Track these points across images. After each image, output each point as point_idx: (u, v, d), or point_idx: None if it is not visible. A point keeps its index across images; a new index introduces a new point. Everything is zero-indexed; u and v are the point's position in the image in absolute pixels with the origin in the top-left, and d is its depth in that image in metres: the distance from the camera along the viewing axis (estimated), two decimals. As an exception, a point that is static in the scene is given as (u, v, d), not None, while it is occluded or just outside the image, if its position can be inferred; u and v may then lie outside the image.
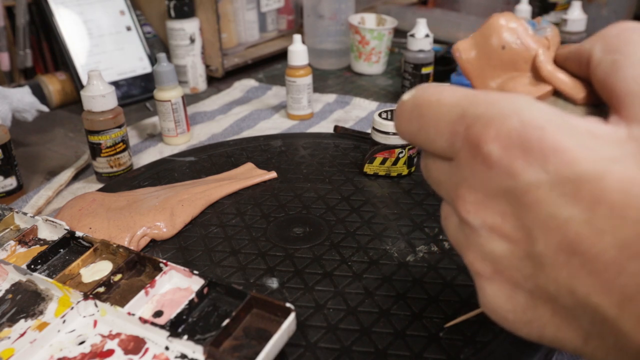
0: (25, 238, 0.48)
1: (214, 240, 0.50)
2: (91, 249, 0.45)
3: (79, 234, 0.47)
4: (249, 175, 0.60)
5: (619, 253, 0.20)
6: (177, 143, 0.72)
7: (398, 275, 0.44)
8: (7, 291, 0.43)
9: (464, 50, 0.30)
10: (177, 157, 0.65)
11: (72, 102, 0.87)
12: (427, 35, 0.78)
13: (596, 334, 0.22)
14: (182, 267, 0.42)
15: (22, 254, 0.47)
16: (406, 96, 0.27)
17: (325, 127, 0.77)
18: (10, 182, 0.60)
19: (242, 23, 1.01)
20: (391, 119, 0.57)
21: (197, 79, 0.92)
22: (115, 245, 0.45)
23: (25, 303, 0.41)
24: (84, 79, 0.82)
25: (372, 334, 0.39)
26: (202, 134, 0.76)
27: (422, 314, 0.40)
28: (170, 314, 0.40)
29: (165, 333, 0.37)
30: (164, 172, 0.61)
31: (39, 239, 0.49)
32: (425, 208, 0.53)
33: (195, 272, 0.42)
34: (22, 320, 0.40)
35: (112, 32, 0.86)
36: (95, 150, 0.61)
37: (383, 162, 0.58)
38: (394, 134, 0.56)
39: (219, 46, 0.92)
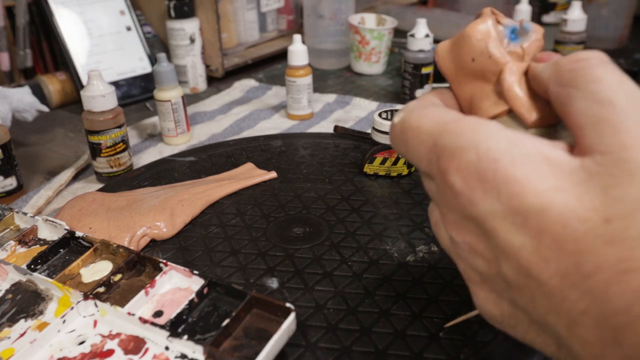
0: (25, 238, 0.48)
1: (214, 240, 0.50)
2: (91, 249, 0.45)
3: (79, 234, 0.47)
4: (249, 175, 0.60)
5: (561, 281, 0.22)
6: (177, 143, 0.72)
7: (398, 275, 0.44)
8: (7, 291, 0.43)
9: (442, 55, 0.31)
10: (177, 157, 0.65)
11: (72, 102, 0.87)
12: (427, 35, 0.78)
13: (564, 346, 0.24)
14: (182, 267, 0.43)
15: (22, 254, 0.47)
16: (396, 119, 0.29)
17: (325, 127, 0.77)
18: (10, 182, 0.60)
19: (242, 23, 1.01)
20: (391, 119, 0.57)
21: (197, 79, 0.92)
22: (115, 245, 0.45)
23: (25, 303, 0.41)
24: (84, 79, 0.82)
25: (372, 334, 0.39)
26: (202, 134, 0.76)
27: (422, 314, 0.40)
28: (170, 314, 0.40)
29: (165, 333, 0.37)
30: (164, 172, 0.61)
31: (39, 239, 0.49)
32: (425, 208, 0.53)
33: (195, 272, 0.42)
34: (22, 320, 0.40)
35: (112, 32, 0.86)
36: (95, 150, 0.61)
37: (383, 162, 0.58)
38: (394, 134, 0.56)
39: (219, 46, 0.92)
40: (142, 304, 0.41)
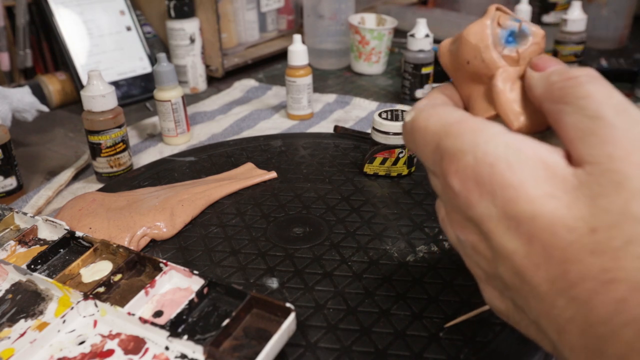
0: (25, 238, 0.48)
1: (214, 240, 0.50)
2: (91, 249, 0.45)
3: (79, 234, 0.47)
4: (249, 175, 0.60)
5: (550, 287, 0.23)
6: (177, 143, 0.72)
7: (398, 275, 0.44)
8: (7, 291, 0.43)
9: (442, 54, 0.31)
10: (177, 157, 0.65)
11: (72, 102, 0.87)
12: (427, 35, 0.78)
13: (556, 349, 0.24)
14: (182, 267, 0.43)
15: (22, 254, 0.47)
16: (407, 117, 0.29)
17: (325, 127, 0.77)
18: (10, 182, 0.60)
19: (242, 23, 1.01)
20: (391, 119, 0.57)
21: (197, 79, 0.92)
22: (115, 245, 0.45)
23: (25, 303, 0.41)
24: (84, 79, 0.82)
25: (372, 334, 0.39)
26: (202, 134, 0.76)
27: (422, 314, 0.40)
28: (170, 314, 0.40)
29: (165, 333, 0.37)
30: (164, 172, 0.61)
31: (39, 239, 0.49)
32: (425, 208, 0.53)
33: (195, 272, 0.42)
34: (22, 320, 0.40)
35: (112, 32, 0.86)
36: (95, 150, 0.61)
37: (383, 162, 0.58)
38: (394, 134, 0.56)
39: (219, 46, 0.92)
40: (142, 304, 0.41)
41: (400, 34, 1.07)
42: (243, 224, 0.52)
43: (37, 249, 0.47)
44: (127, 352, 0.37)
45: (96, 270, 0.44)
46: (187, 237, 0.50)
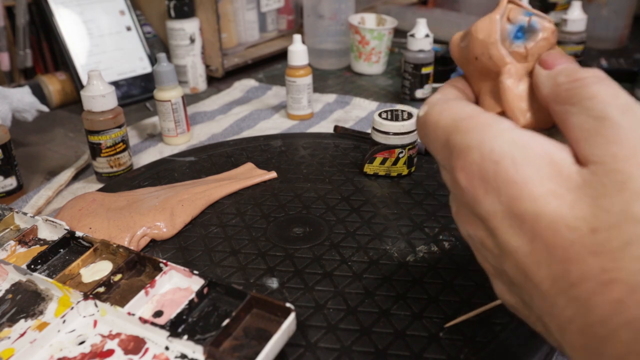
0: (25, 238, 0.48)
1: (214, 240, 0.50)
2: (91, 249, 0.45)
3: (79, 234, 0.47)
4: (249, 175, 0.60)
5: (551, 286, 0.23)
6: (177, 143, 0.72)
7: (398, 275, 0.44)
8: (7, 291, 0.43)
9: (453, 48, 0.31)
10: (177, 157, 0.65)
11: (72, 102, 0.87)
12: (427, 35, 0.78)
13: (560, 346, 0.25)
14: (182, 267, 0.42)
15: (22, 254, 0.47)
16: (420, 112, 0.29)
17: (325, 127, 0.77)
18: (10, 182, 0.60)
19: (242, 23, 1.01)
20: (391, 119, 0.57)
21: (197, 79, 0.92)
22: (115, 245, 0.45)
23: (25, 303, 0.41)
24: (84, 79, 0.82)
25: (372, 334, 0.39)
26: (202, 134, 0.76)
27: (422, 314, 0.40)
28: (170, 314, 0.40)
29: (165, 333, 0.37)
30: (164, 172, 0.61)
31: (39, 239, 0.49)
32: (425, 208, 0.53)
33: (195, 272, 0.42)
34: (22, 320, 0.40)
35: (112, 32, 0.86)
36: (95, 150, 0.61)
37: (383, 162, 0.58)
38: (394, 134, 0.56)
39: (219, 46, 0.92)
40: (142, 304, 0.41)
41: (400, 34, 1.07)
42: (243, 224, 0.52)
43: (37, 249, 0.47)
44: (127, 352, 0.37)
45: (96, 270, 0.44)
46: (187, 237, 0.50)
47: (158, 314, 0.40)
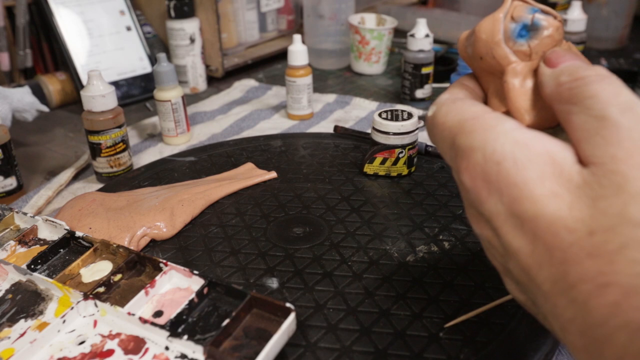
0: (25, 238, 0.48)
1: (214, 240, 0.50)
2: (91, 249, 0.45)
3: (79, 234, 0.47)
4: (249, 175, 0.60)
5: (552, 287, 0.23)
6: (177, 143, 0.72)
7: (398, 275, 0.44)
8: (7, 291, 0.43)
9: (460, 48, 0.31)
10: (177, 157, 0.65)
11: (72, 102, 0.87)
12: (427, 35, 0.78)
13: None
14: (182, 267, 0.42)
15: (22, 254, 0.47)
16: (429, 112, 0.30)
17: (325, 127, 0.77)
18: (10, 182, 0.60)
19: (242, 23, 1.01)
20: (391, 119, 0.57)
21: (197, 79, 0.92)
22: (115, 245, 0.45)
23: (25, 303, 0.41)
24: (84, 79, 0.82)
25: (372, 334, 0.39)
26: (202, 134, 0.76)
27: (422, 314, 0.40)
28: (170, 314, 0.40)
29: (165, 333, 0.37)
30: (164, 172, 0.61)
31: (39, 239, 0.49)
32: (425, 208, 0.53)
33: (195, 272, 0.42)
34: (22, 320, 0.40)
35: (112, 32, 0.86)
36: (95, 150, 0.61)
37: (383, 162, 0.58)
38: (394, 134, 0.56)
39: (219, 46, 0.92)
40: (142, 304, 0.41)
41: (400, 34, 1.07)
42: (243, 224, 0.52)
43: (37, 249, 0.47)
44: (127, 352, 0.37)
45: (96, 270, 0.44)
46: (187, 237, 0.50)
47: (158, 314, 0.40)
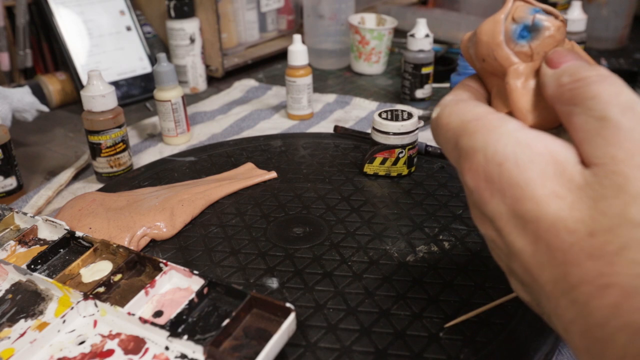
0: (25, 238, 0.48)
1: (214, 240, 0.50)
2: (91, 249, 0.45)
3: (79, 234, 0.47)
4: (249, 175, 0.60)
5: (554, 288, 0.23)
6: (177, 143, 0.72)
7: (398, 275, 0.44)
8: (7, 291, 0.43)
9: (463, 50, 0.31)
10: (177, 157, 0.65)
11: (72, 102, 0.87)
12: (427, 35, 0.78)
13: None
14: (182, 267, 0.42)
15: (22, 254, 0.47)
16: (434, 113, 0.30)
17: (325, 127, 0.77)
18: (10, 182, 0.60)
19: (242, 23, 1.01)
20: (391, 119, 0.57)
21: (197, 79, 0.92)
22: (115, 245, 0.45)
23: (25, 303, 0.41)
24: (84, 79, 0.82)
25: (372, 334, 0.39)
26: (202, 134, 0.76)
27: (422, 314, 0.40)
28: (170, 314, 0.40)
29: (165, 333, 0.37)
30: (164, 172, 0.61)
31: (39, 239, 0.49)
32: (425, 208, 0.53)
33: (195, 272, 0.42)
34: (22, 320, 0.40)
35: (112, 32, 0.86)
36: (95, 150, 0.61)
37: (383, 162, 0.58)
38: (394, 134, 0.56)
39: (219, 46, 0.92)
40: (142, 304, 0.41)
41: (400, 34, 1.07)
42: (243, 224, 0.52)
43: (37, 249, 0.47)
44: (127, 352, 0.37)
45: (96, 270, 0.44)
46: (187, 237, 0.50)
47: (158, 314, 0.40)
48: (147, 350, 0.37)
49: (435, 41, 1.03)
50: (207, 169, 0.62)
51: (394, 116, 0.57)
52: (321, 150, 0.65)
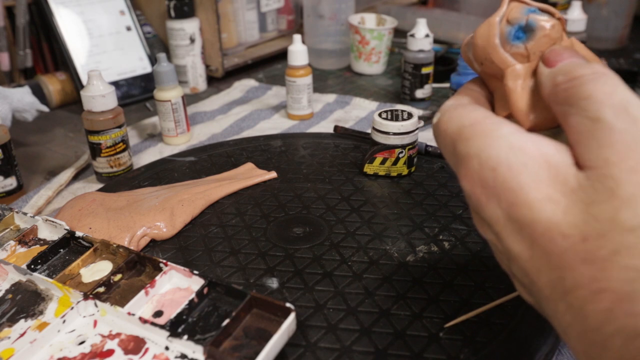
0: (25, 238, 0.48)
1: (214, 240, 0.50)
2: (91, 249, 0.45)
3: (79, 234, 0.47)
4: (249, 175, 0.60)
5: (551, 292, 0.23)
6: (177, 143, 0.72)
7: (398, 275, 0.44)
8: (7, 291, 0.43)
9: (463, 54, 0.31)
10: (177, 157, 0.65)
11: (72, 102, 0.87)
12: (427, 35, 0.78)
13: None
14: (182, 267, 0.42)
15: (22, 254, 0.47)
16: (435, 118, 0.30)
17: (325, 127, 0.77)
18: (10, 182, 0.60)
19: (242, 23, 1.01)
20: (391, 119, 0.57)
21: (197, 79, 0.92)
22: (115, 245, 0.45)
23: (25, 303, 0.41)
24: (84, 79, 0.82)
25: (372, 334, 0.39)
26: (202, 134, 0.76)
27: (422, 314, 0.40)
28: (170, 314, 0.40)
29: (165, 333, 0.37)
30: (164, 172, 0.61)
31: (39, 239, 0.49)
32: (425, 208, 0.53)
33: (195, 272, 0.42)
34: (22, 320, 0.40)
35: (112, 32, 0.86)
36: (95, 150, 0.61)
37: (383, 162, 0.58)
38: (394, 134, 0.56)
39: (219, 46, 0.92)
40: (142, 304, 0.41)
41: (400, 34, 1.07)
42: (243, 224, 0.52)
43: (37, 249, 0.47)
44: (127, 352, 0.37)
45: (96, 270, 0.44)
46: (187, 237, 0.50)
47: (158, 314, 0.40)
48: (147, 350, 0.37)
49: (435, 41, 1.04)
50: (207, 169, 0.62)
51: (394, 116, 0.57)
52: (321, 150, 0.65)
